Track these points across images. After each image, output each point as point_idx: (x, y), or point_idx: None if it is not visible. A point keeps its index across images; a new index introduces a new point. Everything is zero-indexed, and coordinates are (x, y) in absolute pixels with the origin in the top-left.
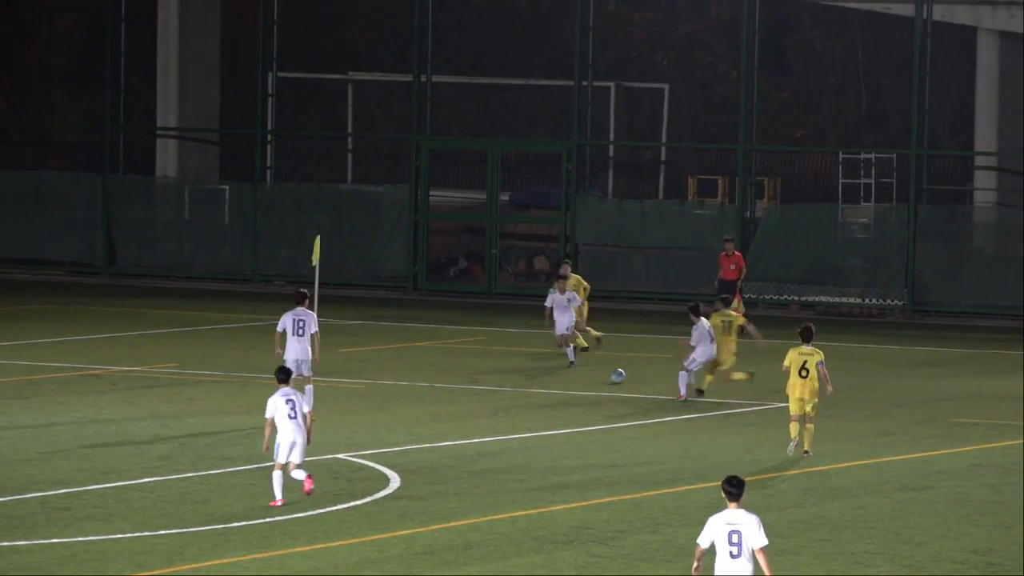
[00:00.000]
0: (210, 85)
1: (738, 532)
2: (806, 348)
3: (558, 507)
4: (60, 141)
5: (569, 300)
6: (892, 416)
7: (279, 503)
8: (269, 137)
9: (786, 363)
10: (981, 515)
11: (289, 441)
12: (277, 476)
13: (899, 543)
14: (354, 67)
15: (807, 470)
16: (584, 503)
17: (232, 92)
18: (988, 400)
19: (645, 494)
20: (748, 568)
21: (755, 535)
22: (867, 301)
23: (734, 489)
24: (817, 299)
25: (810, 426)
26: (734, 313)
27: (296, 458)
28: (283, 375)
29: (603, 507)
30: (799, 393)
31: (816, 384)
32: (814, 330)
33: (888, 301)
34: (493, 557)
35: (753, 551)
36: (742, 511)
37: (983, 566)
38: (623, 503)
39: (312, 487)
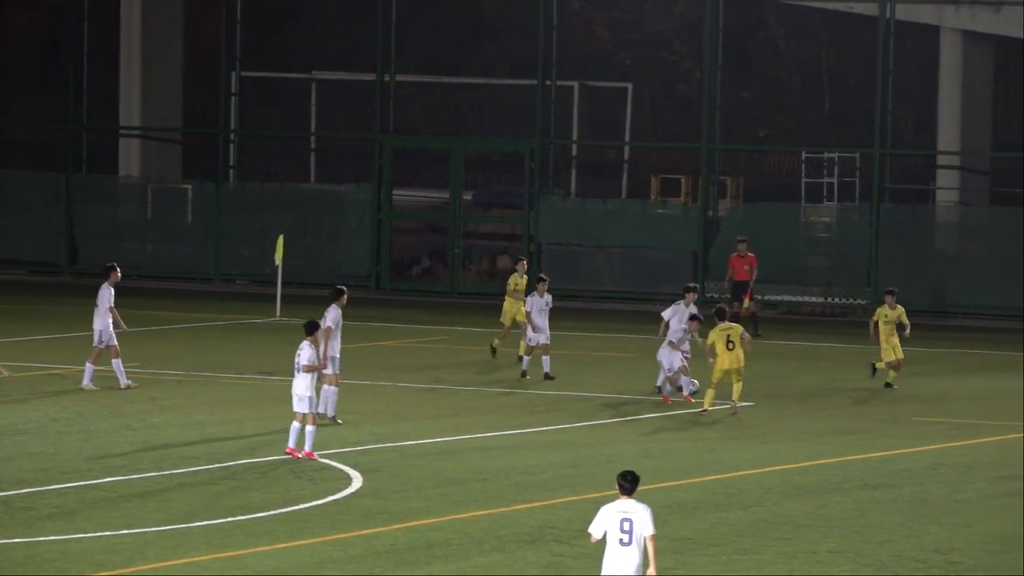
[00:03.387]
0: (173, 84)
1: (630, 520)
2: (724, 324)
3: (520, 506)
4: (22, 140)
5: (547, 304)
6: (854, 415)
7: (290, 451)
8: (232, 136)
9: (710, 340)
10: (943, 514)
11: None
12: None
13: (861, 542)
14: (317, 66)
15: (769, 469)
16: (546, 502)
17: (195, 91)
18: (950, 399)
19: (607, 493)
20: (637, 555)
21: (646, 523)
22: (830, 300)
23: (627, 484)
24: (780, 298)
25: (739, 384)
26: (734, 325)
27: (299, 408)
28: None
29: (565, 506)
30: (727, 364)
31: (741, 352)
32: (727, 310)
33: (851, 300)
34: (455, 556)
35: (644, 539)
36: (633, 500)
37: (945, 565)
38: (585, 502)
39: (304, 456)
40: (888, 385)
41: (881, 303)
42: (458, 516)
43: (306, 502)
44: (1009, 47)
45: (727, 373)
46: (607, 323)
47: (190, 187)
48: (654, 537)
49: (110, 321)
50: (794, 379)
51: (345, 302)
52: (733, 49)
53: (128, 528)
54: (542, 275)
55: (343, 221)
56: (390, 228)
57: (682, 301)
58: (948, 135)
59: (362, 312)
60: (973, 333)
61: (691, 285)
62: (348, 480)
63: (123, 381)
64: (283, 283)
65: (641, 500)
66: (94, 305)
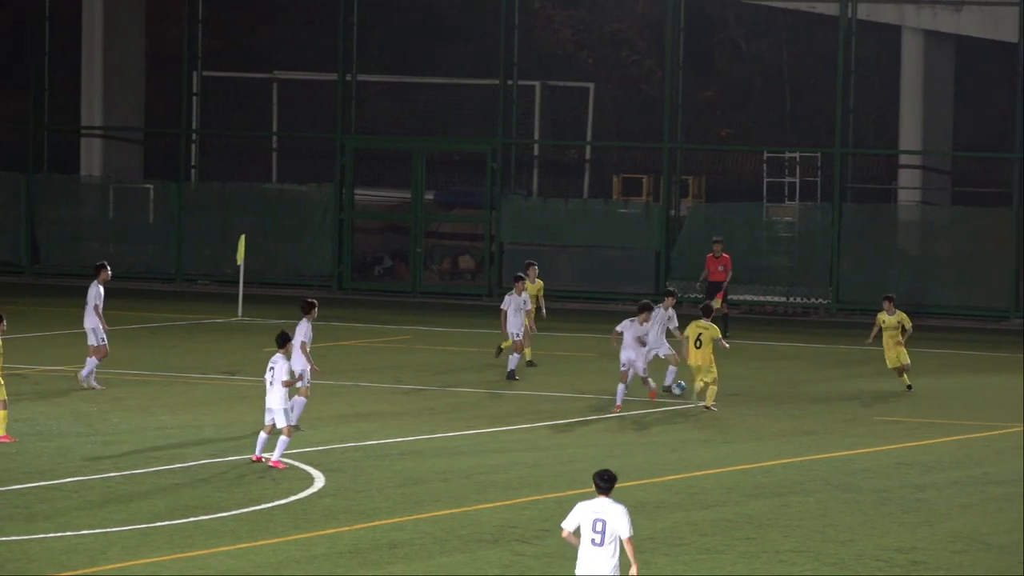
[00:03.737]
0: (135, 84)
1: (603, 521)
2: (703, 322)
3: (482, 506)
4: None
5: (524, 303)
6: (816, 414)
7: (256, 458)
8: (194, 136)
9: (686, 333)
10: (905, 513)
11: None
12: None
13: (823, 541)
14: (280, 66)
15: (731, 468)
16: (508, 502)
17: (157, 91)
18: (912, 398)
19: (569, 493)
20: (608, 556)
21: (621, 525)
22: (792, 300)
23: (603, 483)
24: (742, 297)
25: (714, 387)
26: (711, 326)
27: (278, 422)
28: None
29: (527, 506)
30: (691, 360)
31: (708, 352)
32: (712, 309)
33: (813, 300)
34: (417, 556)
35: (621, 540)
36: (609, 500)
37: (907, 564)
38: (547, 502)
39: (272, 465)
40: (908, 388)
41: (880, 309)
42: (420, 516)
43: (268, 502)
44: (970, 47)
45: (696, 369)
46: (569, 323)
47: (152, 187)
48: (631, 539)
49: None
50: (757, 379)
51: (316, 315)
52: (695, 48)
53: (90, 528)
54: (520, 274)
55: (305, 221)
56: (352, 228)
57: (637, 319)
58: (910, 135)
59: (324, 312)
60: (935, 333)
61: (670, 289)
62: (311, 480)
63: (89, 380)
64: (245, 283)
65: (618, 501)
66: (83, 304)
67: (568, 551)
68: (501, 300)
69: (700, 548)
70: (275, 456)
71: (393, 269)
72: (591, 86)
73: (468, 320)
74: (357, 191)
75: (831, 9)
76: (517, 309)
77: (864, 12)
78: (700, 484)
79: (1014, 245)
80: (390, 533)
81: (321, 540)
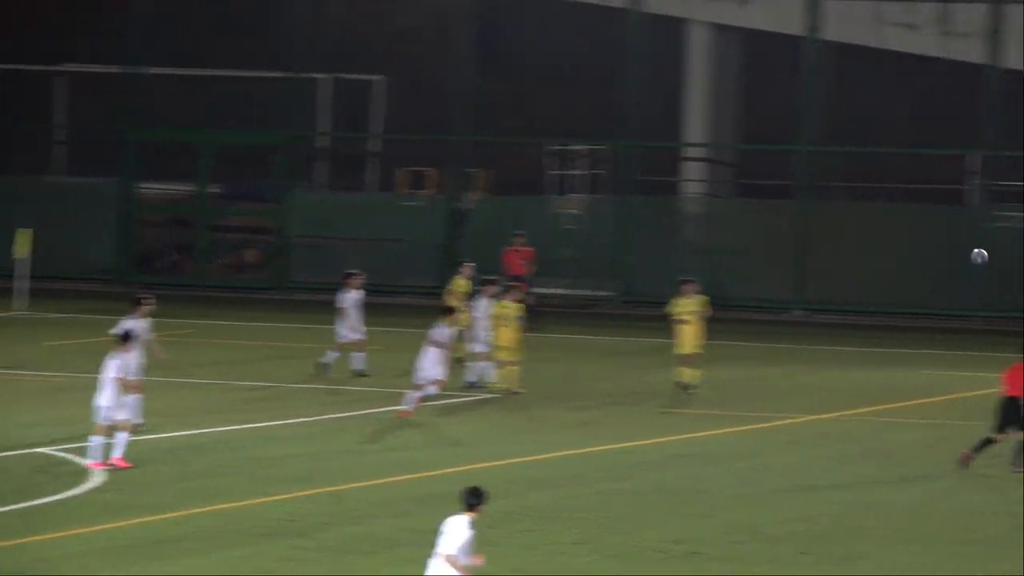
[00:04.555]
0: None
1: (442, 534)
2: (504, 303)
3: (262, 500)
4: None
5: (358, 300)
6: (599, 406)
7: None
8: None
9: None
10: (683, 504)
11: None
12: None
13: (603, 533)
14: (67, 58)
15: (512, 461)
16: (288, 495)
17: None
18: (694, 390)
19: (348, 486)
20: (440, 570)
21: (448, 541)
22: (578, 292)
23: (472, 499)
24: (529, 289)
25: (513, 368)
26: (511, 306)
27: (119, 418)
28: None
29: (306, 499)
30: (498, 341)
31: (506, 333)
32: (517, 293)
33: (598, 292)
34: (197, 551)
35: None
36: (465, 517)
37: (684, 555)
38: (326, 495)
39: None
40: (687, 387)
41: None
42: (200, 510)
43: (46, 496)
44: (757, 39)
45: (499, 350)
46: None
47: None
48: (449, 557)
49: None
50: (540, 371)
51: (147, 312)
52: (483, 41)
53: None
54: (353, 271)
55: (89, 214)
56: (137, 221)
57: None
58: (695, 127)
59: (107, 306)
60: (719, 325)
61: (490, 278)
62: (89, 474)
63: None
64: (31, 277)
65: (471, 521)
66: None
67: (346, 544)
68: (287, 293)
69: (481, 541)
70: (118, 454)
71: (177, 263)
72: (379, 79)
73: (252, 314)
74: (145, 184)
75: (619, 1)
76: (355, 306)
77: (651, 5)
78: (481, 477)
79: (797, 238)
80: (170, 528)
81: (100, 535)
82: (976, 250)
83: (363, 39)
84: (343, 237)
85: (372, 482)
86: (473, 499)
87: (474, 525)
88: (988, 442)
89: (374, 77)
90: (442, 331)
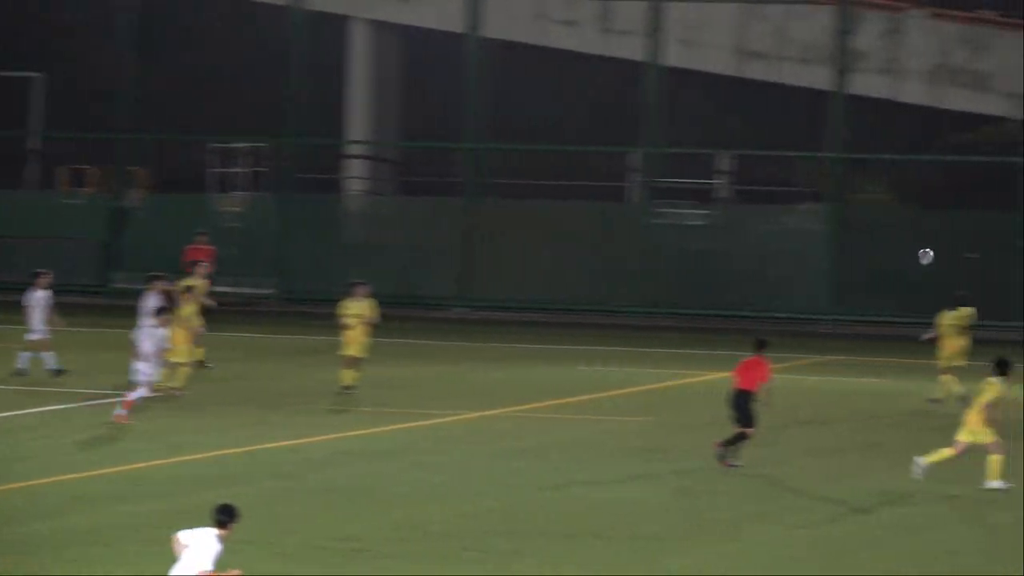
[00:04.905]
0: None
1: (187, 548)
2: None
3: None
4: None
5: (45, 299)
6: (266, 404)
7: None
8: None
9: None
10: (350, 501)
11: None
12: None
13: (270, 530)
14: None
15: (177, 460)
16: None
17: None
18: (360, 388)
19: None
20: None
21: (195, 554)
22: (240, 290)
23: (223, 516)
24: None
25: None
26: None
27: None
28: None
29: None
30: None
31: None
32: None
33: (260, 290)
34: None
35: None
36: (197, 531)
37: (349, 552)
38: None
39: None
40: (347, 388)
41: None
42: None
43: None
44: (420, 37)
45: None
46: (13, 315)
47: None
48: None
49: None
50: (204, 370)
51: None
52: (145, 37)
53: None
54: (41, 270)
55: None
56: None
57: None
58: (357, 125)
59: None
60: (386, 323)
61: (156, 274)
62: None
63: None
64: None
65: (220, 536)
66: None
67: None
68: None
69: (145, 540)
70: None
71: None
72: (38, 75)
73: None
74: None
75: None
76: (41, 305)
77: (315, 3)
78: (146, 476)
79: (462, 236)
80: None
81: None
82: (922, 250)
83: (21, 35)
84: (4, 236)
85: (28, 483)
86: (224, 516)
87: (223, 541)
88: (741, 437)
89: (33, 74)
90: (155, 331)
